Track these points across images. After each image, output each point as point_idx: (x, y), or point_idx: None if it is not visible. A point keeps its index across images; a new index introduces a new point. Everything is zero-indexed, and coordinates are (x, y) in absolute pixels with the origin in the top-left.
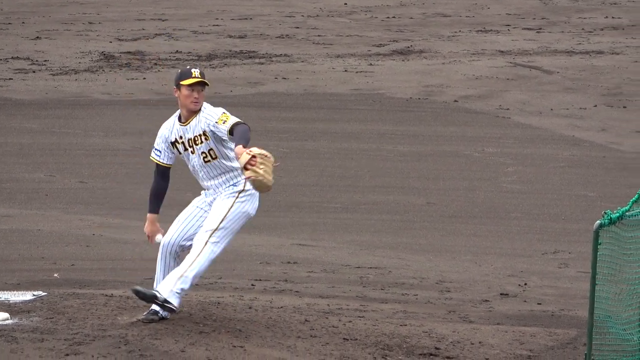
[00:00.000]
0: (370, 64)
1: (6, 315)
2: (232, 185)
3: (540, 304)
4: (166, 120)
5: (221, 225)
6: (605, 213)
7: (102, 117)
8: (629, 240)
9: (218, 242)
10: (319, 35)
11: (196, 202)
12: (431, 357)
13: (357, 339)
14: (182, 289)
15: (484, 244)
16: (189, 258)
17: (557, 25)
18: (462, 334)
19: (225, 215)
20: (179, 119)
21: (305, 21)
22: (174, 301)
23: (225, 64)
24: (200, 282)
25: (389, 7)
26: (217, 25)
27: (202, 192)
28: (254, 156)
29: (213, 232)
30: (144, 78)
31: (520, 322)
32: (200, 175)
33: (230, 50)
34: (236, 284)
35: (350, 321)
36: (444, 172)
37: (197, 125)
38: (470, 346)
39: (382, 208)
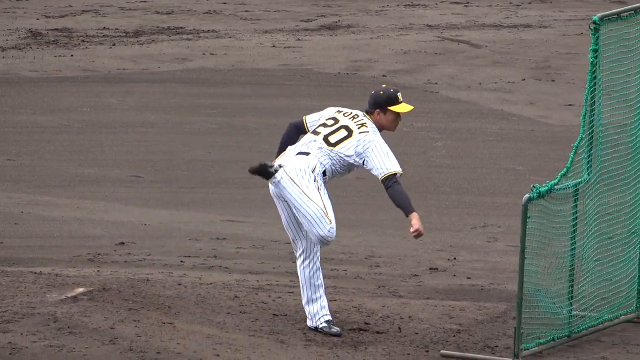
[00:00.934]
0: (298, 39)
1: None
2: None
3: (469, 278)
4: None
5: None
6: (534, 187)
7: (30, 95)
8: (557, 213)
9: None
10: (246, 11)
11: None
12: (361, 332)
13: (286, 315)
14: None
15: None
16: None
17: None
18: (391, 308)
19: None
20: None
21: None
22: None
23: (153, 40)
24: (129, 259)
25: None
26: (144, 1)
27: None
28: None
29: None
30: (72, 55)
31: (450, 297)
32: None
33: (157, 27)
34: (165, 261)
35: (279, 297)
36: None
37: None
38: (400, 321)
39: None
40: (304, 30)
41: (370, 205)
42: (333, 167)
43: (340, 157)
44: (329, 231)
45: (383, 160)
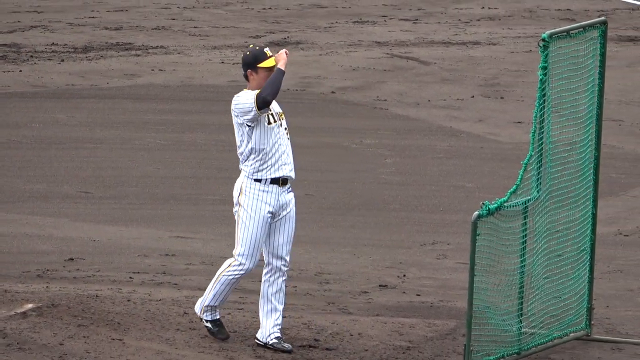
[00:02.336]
0: None
1: None
2: (291, 188)
3: (419, 295)
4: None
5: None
6: (483, 204)
7: None
8: (507, 231)
9: None
10: (195, 27)
11: (262, 210)
12: (310, 348)
13: (236, 331)
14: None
15: (363, 235)
16: (283, 289)
17: (434, 16)
18: (341, 325)
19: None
20: None
21: (182, 12)
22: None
23: (102, 56)
24: (78, 275)
25: None
26: (92, 17)
27: (261, 194)
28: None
29: (289, 253)
30: (20, 70)
31: (400, 314)
32: (284, 152)
33: (106, 42)
34: (114, 277)
35: (229, 313)
36: (322, 164)
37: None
38: (350, 337)
39: None
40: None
41: (319, 221)
42: (252, 163)
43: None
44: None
45: (246, 96)
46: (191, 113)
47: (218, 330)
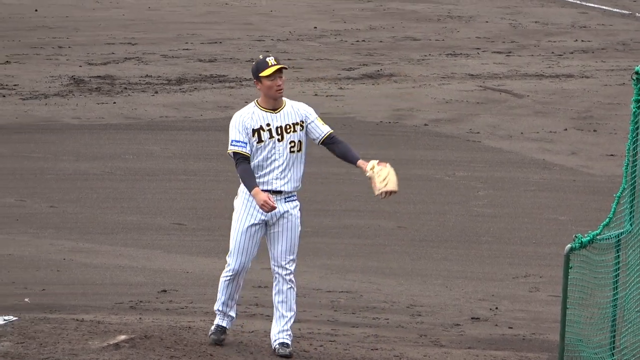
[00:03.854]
0: (341, 88)
1: None
2: (294, 197)
3: (511, 327)
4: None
5: (297, 250)
6: (576, 237)
7: (73, 142)
8: (599, 264)
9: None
10: (288, 59)
11: (246, 221)
12: None
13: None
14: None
15: (455, 267)
16: (289, 298)
17: (527, 48)
18: (433, 358)
19: (298, 241)
20: (261, 107)
21: (275, 45)
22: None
23: (195, 88)
24: (171, 307)
25: (359, 30)
26: (186, 49)
27: (249, 203)
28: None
29: (296, 259)
30: (114, 102)
31: (492, 346)
32: (278, 167)
33: (200, 74)
34: (207, 309)
35: (321, 345)
36: (415, 196)
37: (292, 113)
38: None
39: (353, 232)
40: (346, 79)
41: (411, 254)
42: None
43: None
44: None
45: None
46: None
47: (213, 333)
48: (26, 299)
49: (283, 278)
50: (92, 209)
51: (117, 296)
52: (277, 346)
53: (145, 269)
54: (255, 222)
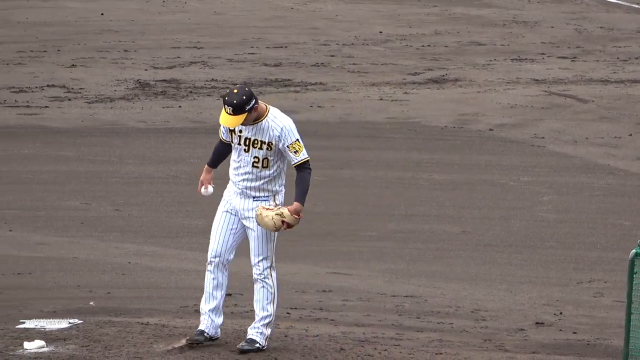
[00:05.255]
0: (406, 93)
1: (42, 343)
2: (265, 198)
3: (575, 332)
4: None
5: (273, 247)
6: None
7: (138, 145)
8: None
9: (273, 264)
10: (354, 64)
11: (222, 207)
12: None
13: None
14: (271, 330)
15: (519, 272)
16: (262, 298)
17: (592, 54)
18: None
19: (274, 238)
20: None
21: (341, 49)
22: (264, 342)
23: (261, 92)
24: (235, 311)
25: (424, 35)
26: (252, 53)
27: (226, 192)
28: (289, 224)
29: (269, 258)
30: (180, 106)
31: (556, 351)
32: (241, 173)
33: (265, 79)
34: None
35: (385, 350)
36: (479, 201)
37: (265, 131)
38: None
39: (417, 236)
40: (411, 83)
41: (475, 258)
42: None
43: None
44: None
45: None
46: (349, 149)
47: (192, 335)
48: (91, 302)
49: (255, 277)
50: (157, 212)
51: (181, 300)
52: (245, 340)
53: None
54: (227, 209)
